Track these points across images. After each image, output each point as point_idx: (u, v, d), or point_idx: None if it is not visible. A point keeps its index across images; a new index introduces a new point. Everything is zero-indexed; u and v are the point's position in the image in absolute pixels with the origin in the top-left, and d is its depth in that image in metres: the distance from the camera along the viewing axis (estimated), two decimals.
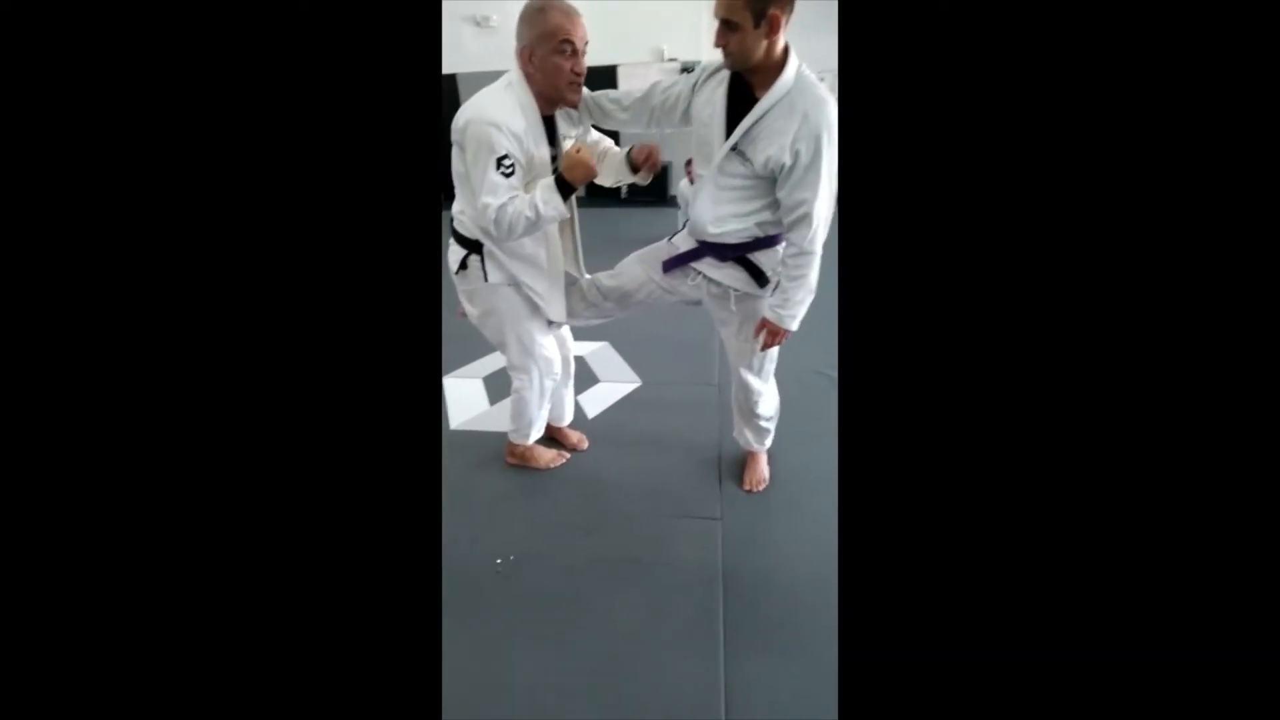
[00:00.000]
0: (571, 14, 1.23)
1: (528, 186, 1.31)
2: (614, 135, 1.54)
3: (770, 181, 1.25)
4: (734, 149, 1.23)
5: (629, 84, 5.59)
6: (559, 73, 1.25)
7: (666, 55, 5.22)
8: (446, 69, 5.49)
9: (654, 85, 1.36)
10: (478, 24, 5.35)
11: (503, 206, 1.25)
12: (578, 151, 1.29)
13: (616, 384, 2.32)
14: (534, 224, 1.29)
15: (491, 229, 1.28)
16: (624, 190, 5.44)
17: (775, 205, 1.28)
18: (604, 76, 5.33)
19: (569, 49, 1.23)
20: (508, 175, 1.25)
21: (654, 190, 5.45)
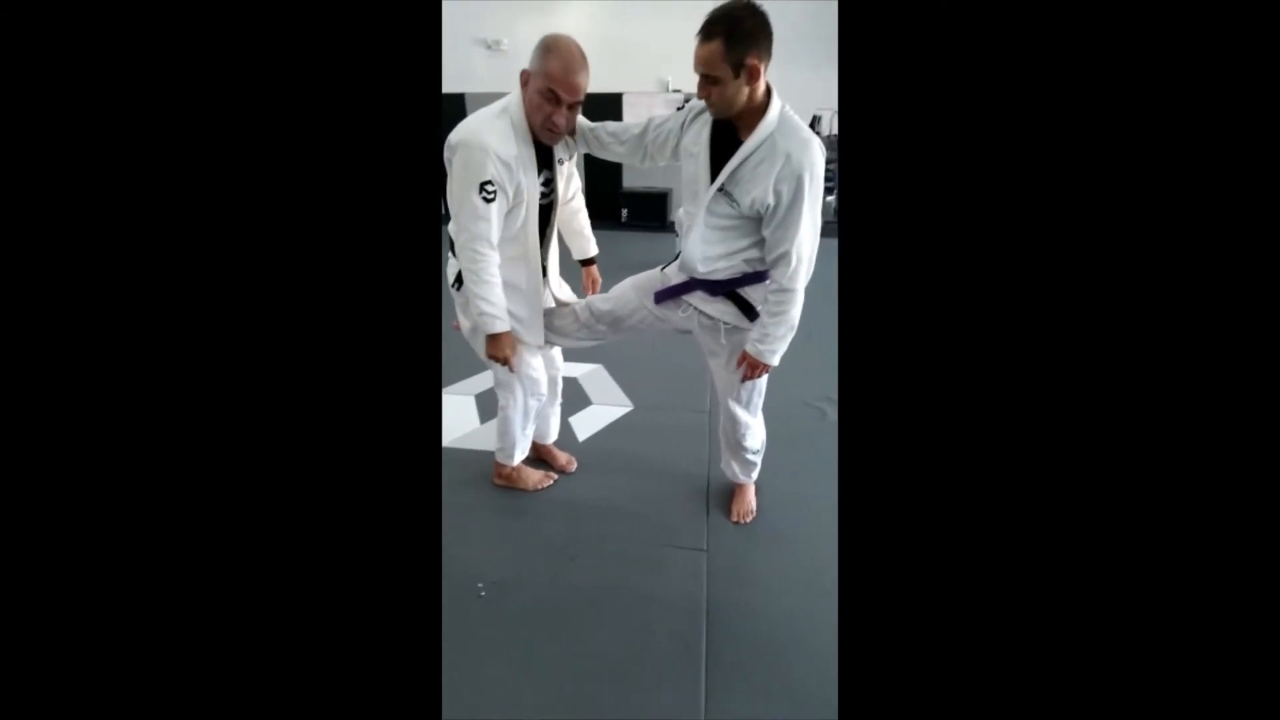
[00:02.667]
0: (572, 67, 1.24)
1: (509, 216, 1.35)
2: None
3: (757, 220, 1.27)
4: (720, 190, 1.26)
5: (633, 112, 5.64)
6: (537, 111, 1.28)
7: (671, 86, 5.34)
8: (457, 89, 5.59)
9: (649, 122, 1.40)
10: (489, 47, 5.47)
11: (475, 242, 1.31)
12: (506, 356, 1.45)
13: (608, 407, 2.31)
14: (471, 284, 1.36)
15: (467, 253, 1.33)
16: (624, 214, 5.52)
17: (762, 243, 1.30)
18: (609, 104, 5.44)
19: (552, 98, 1.25)
20: (488, 200, 1.27)
21: (653, 214, 5.52)
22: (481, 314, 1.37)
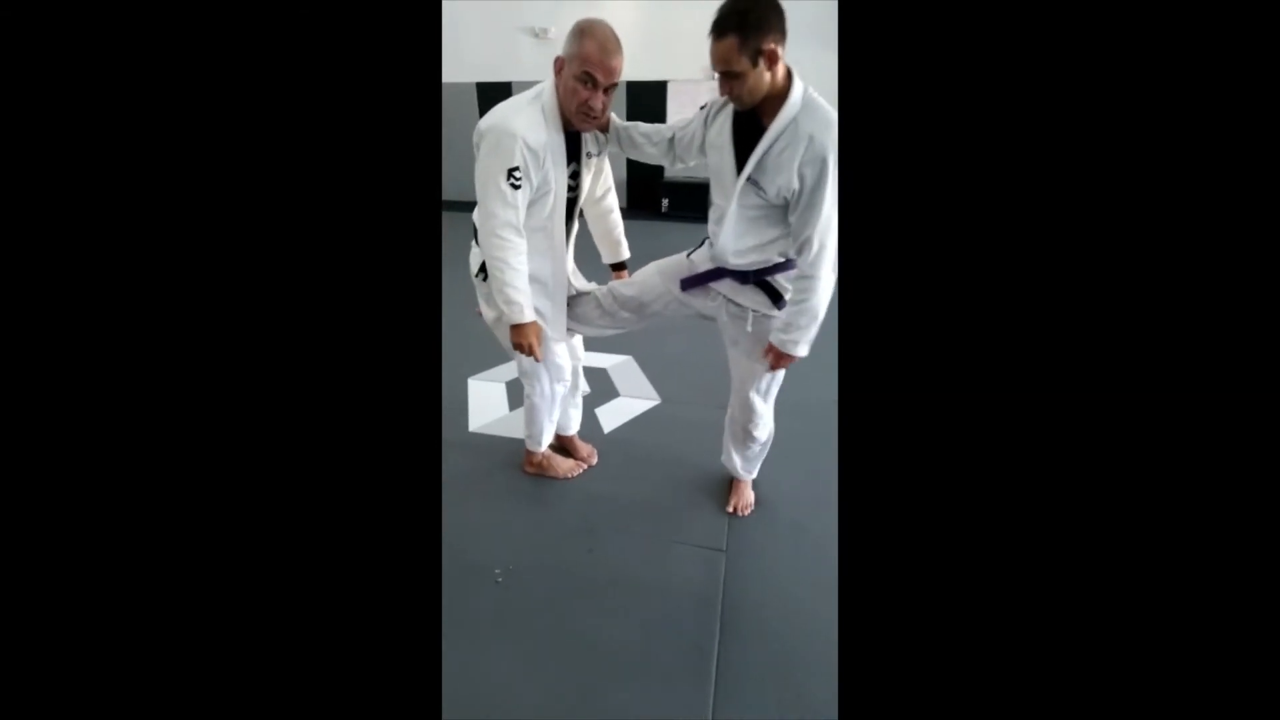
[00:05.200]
0: (607, 48, 1.22)
1: (535, 206, 1.34)
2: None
3: (786, 208, 1.24)
4: (749, 180, 1.23)
5: (678, 100, 5.52)
6: (573, 96, 1.26)
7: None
8: (504, 78, 5.65)
9: (678, 127, 1.42)
10: (536, 35, 5.48)
11: (503, 229, 1.29)
12: (531, 346, 1.41)
13: (636, 400, 2.30)
14: (497, 271, 1.34)
15: (492, 241, 1.31)
16: (665, 204, 5.47)
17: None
18: (655, 91, 5.39)
19: (589, 81, 1.23)
20: (515, 187, 1.26)
21: (694, 205, 5.45)
22: (510, 302, 1.35)
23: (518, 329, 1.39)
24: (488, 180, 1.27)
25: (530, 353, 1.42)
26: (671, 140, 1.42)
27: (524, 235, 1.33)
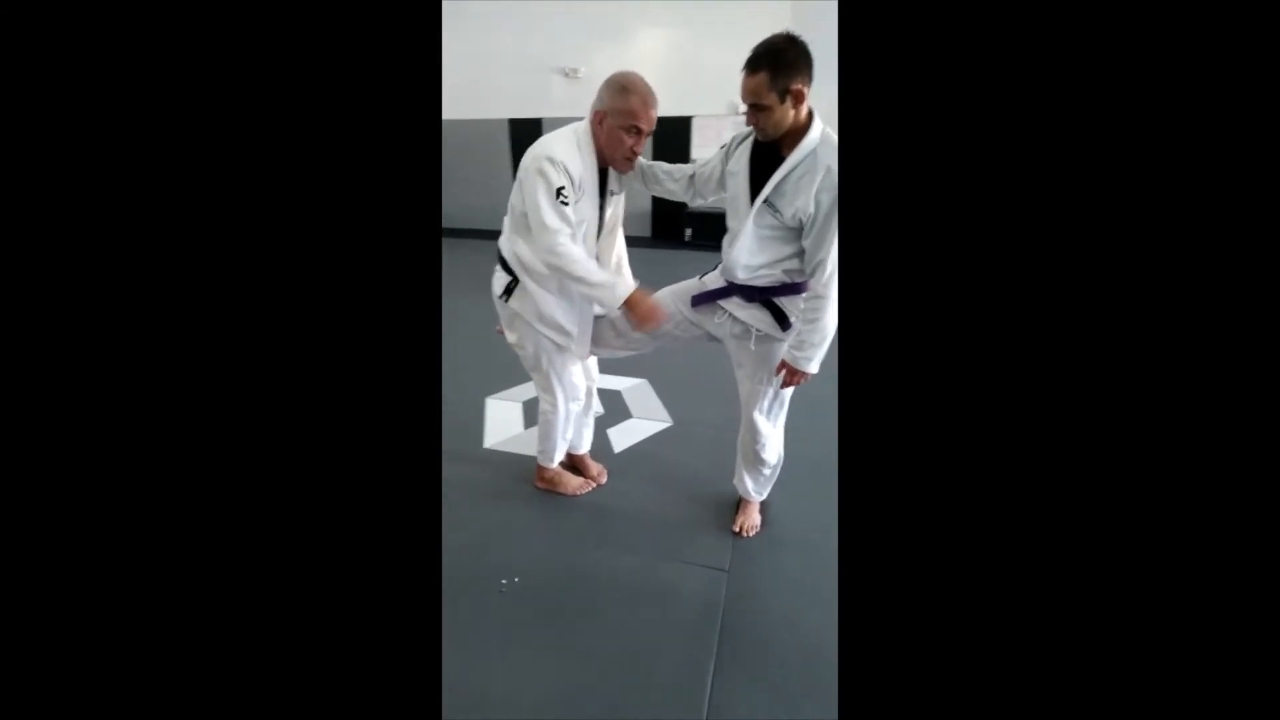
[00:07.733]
0: (649, 100, 1.36)
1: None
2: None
3: (798, 230, 1.32)
4: (765, 202, 1.32)
5: (702, 135, 5.62)
6: (619, 145, 1.39)
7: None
8: (536, 114, 5.91)
9: (698, 165, 1.53)
10: (566, 75, 5.75)
11: (561, 239, 1.37)
12: (654, 314, 1.44)
13: (648, 421, 2.34)
14: (574, 276, 1.41)
15: (552, 255, 1.39)
16: (688, 234, 5.57)
17: (803, 254, 1.35)
18: (680, 127, 5.55)
19: (634, 131, 1.36)
20: (565, 204, 1.37)
21: (716, 234, 5.53)
22: (604, 289, 1.42)
23: (633, 304, 1.42)
24: (539, 202, 1.36)
25: (655, 320, 1.45)
26: (692, 177, 1.53)
27: (579, 243, 1.42)
